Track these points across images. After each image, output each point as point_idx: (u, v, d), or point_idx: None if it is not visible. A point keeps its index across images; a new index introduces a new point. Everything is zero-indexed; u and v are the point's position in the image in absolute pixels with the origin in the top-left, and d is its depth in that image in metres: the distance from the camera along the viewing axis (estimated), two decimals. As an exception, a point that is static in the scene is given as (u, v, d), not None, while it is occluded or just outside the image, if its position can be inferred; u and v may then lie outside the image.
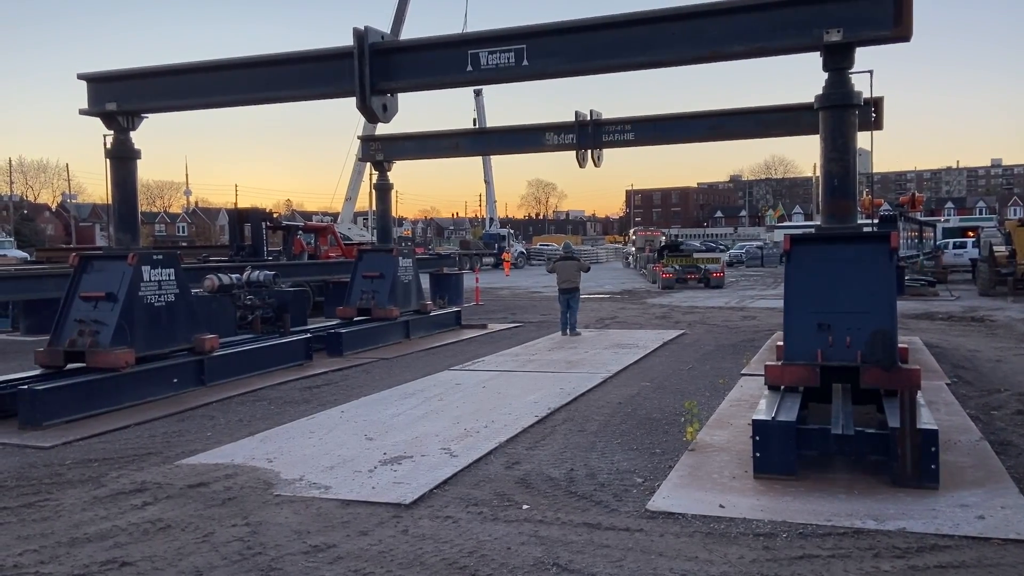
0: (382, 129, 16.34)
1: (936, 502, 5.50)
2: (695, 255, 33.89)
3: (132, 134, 10.44)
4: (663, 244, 36.01)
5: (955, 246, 36.15)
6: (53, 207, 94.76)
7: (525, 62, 8.57)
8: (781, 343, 7.26)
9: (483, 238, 59.33)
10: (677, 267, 30.53)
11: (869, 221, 11.82)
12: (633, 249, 50.05)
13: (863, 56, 7.28)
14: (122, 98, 10.16)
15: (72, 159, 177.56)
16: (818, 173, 7.99)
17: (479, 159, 57.23)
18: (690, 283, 30.13)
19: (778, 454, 6.10)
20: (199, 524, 5.40)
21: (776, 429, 6.12)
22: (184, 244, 60.47)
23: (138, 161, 10.55)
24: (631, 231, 60.77)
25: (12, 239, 54.69)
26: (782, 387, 6.96)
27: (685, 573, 4.46)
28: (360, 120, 11.56)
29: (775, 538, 4.96)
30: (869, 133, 9.48)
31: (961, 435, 7.23)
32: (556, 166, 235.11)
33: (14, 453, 7.46)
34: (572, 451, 7.14)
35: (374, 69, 9.01)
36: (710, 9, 7.70)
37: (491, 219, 63.84)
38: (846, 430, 6.07)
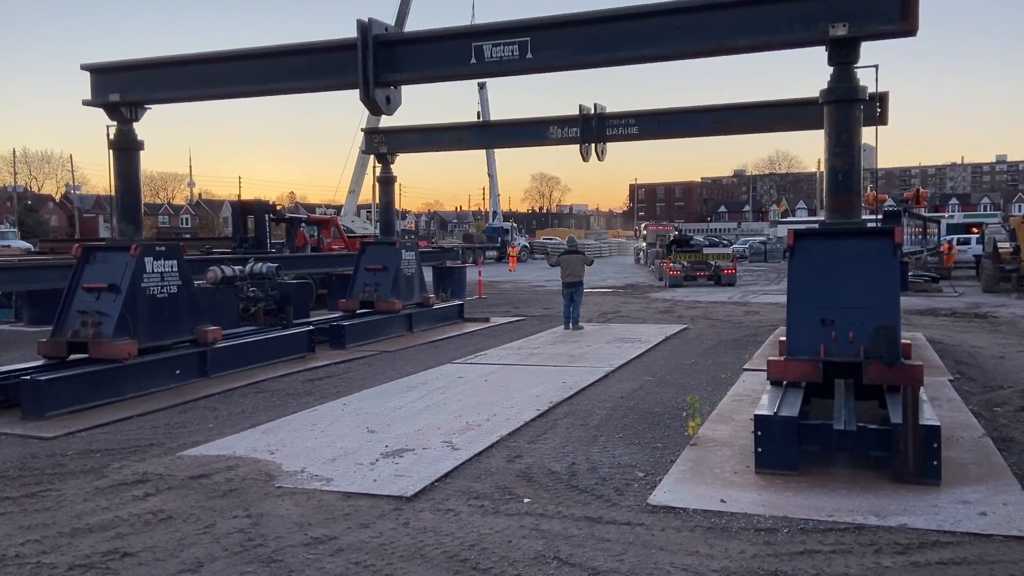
0: (386, 122, 16.27)
1: (938, 498, 5.49)
2: (705, 251, 33.13)
3: (135, 125, 10.43)
4: (671, 239, 35.19)
5: (959, 242, 36.04)
6: (57, 198, 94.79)
7: (529, 55, 8.54)
8: (784, 338, 7.24)
9: (486, 231, 59.24)
10: (686, 263, 29.20)
11: (873, 217, 11.77)
12: (644, 244, 48.38)
13: (868, 50, 7.26)
14: (125, 89, 10.15)
15: (76, 150, 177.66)
16: (822, 168, 7.95)
17: (483, 152, 57.19)
18: (699, 280, 28.79)
19: (780, 449, 6.09)
20: (200, 515, 5.41)
21: (778, 424, 6.11)
22: (187, 236, 60.58)
23: (141, 152, 10.55)
24: (642, 225, 59.35)
25: (16, 230, 54.83)
26: (784, 382, 6.94)
27: (686, 567, 4.46)
28: (364, 112, 11.58)
29: (776, 533, 4.95)
30: (874, 128, 9.45)
31: (963, 432, 7.22)
32: (560, 160, 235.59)
33: (16, 443, 7.48)
34: (574, 445, 7.13)
35: (378, 61, 8.99)
36: (715, 2, 7.67)
37: (494, 212, 63.77)
38: (848, 426, 6.06)
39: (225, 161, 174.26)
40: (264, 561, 4.63)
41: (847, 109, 7.27)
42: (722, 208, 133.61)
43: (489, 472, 6.35)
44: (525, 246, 59.53)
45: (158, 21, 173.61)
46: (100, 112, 10.32)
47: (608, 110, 14.81)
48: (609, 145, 15.04)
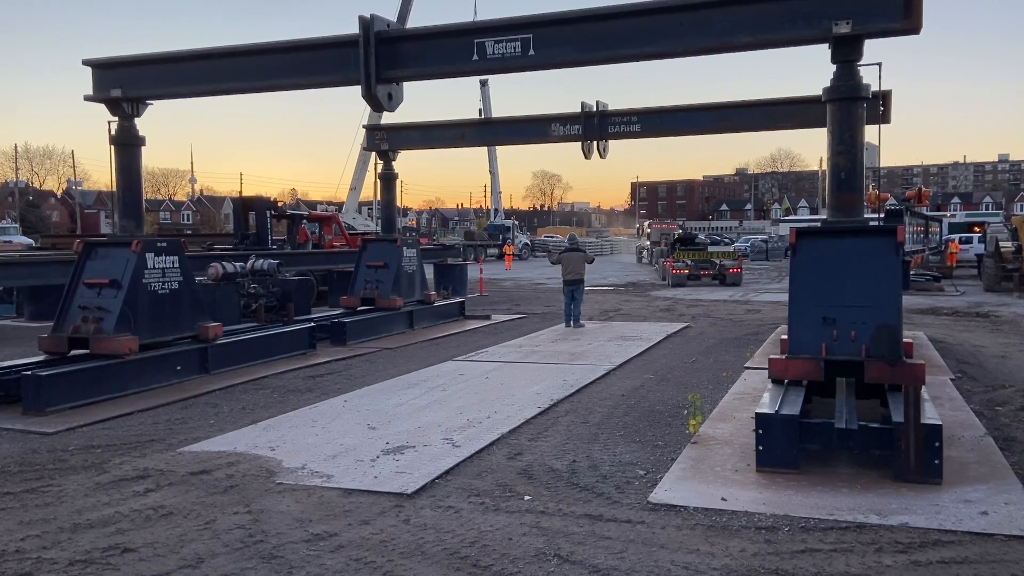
0: (388, 118, 16.28)
1: (939, 497, 5.49)
2: (709, 249, 32.72)
3: (137, 121, 10.43)
4: (676, 237, 34.63)
5: (961, 241, 35.99)
6: (58, 194, 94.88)
7: (531, 52, 8.53)
8: (785, 337, 7.24)
9: (488, 229, 59.20)
10: (689, 262, 28.37)
11: (875, 215, 11.77)
12: (648, 243, 47.17)
13: (871, 48, 7.25)
14: (127, 84, 10.14)
15: (77, 146, 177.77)
16: (825, 167, 7.94)
17: (484, 150, 57.15)
18: (703, 280, 28.10)
19: (781, 448, 6.08)
20: (201, 511, 5.41)
21: (779, 423, 6.11)
22: (189, 232, 60.57)
23: (143, 148, 10.55)
24: (646, 223, 58.43)
25: (17, 225, 54.85)
26: (786, 381, 6.94)
27: (686, 566, 4.46)
28: (366, 109, 11.60)
29: (777, 532, 4.95)
30: (876, 127, 9.43)
31: (965, 431, 7.21)
32: (561, 157, 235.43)
33: (17, 439, 7.49)
34: (574, 443, 7.13)
35: (380, 57, 8.98)
36: (718, 0, 7.65)
37: (496, 210, 63.79)
38: (849, 424, 6.05)
39: (227, 158, 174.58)
40: (264, 557, 4.63)
41: (850, 107, 7.26)
42: (724, 206, 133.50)
43: (490, 469, 6.35)
44: (526, 244, 59.48)
45: (160, 17, 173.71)
46: (102, 108, 10.31)
47: (610, 108, 14.79)
48: (611, 143, 15.02)
